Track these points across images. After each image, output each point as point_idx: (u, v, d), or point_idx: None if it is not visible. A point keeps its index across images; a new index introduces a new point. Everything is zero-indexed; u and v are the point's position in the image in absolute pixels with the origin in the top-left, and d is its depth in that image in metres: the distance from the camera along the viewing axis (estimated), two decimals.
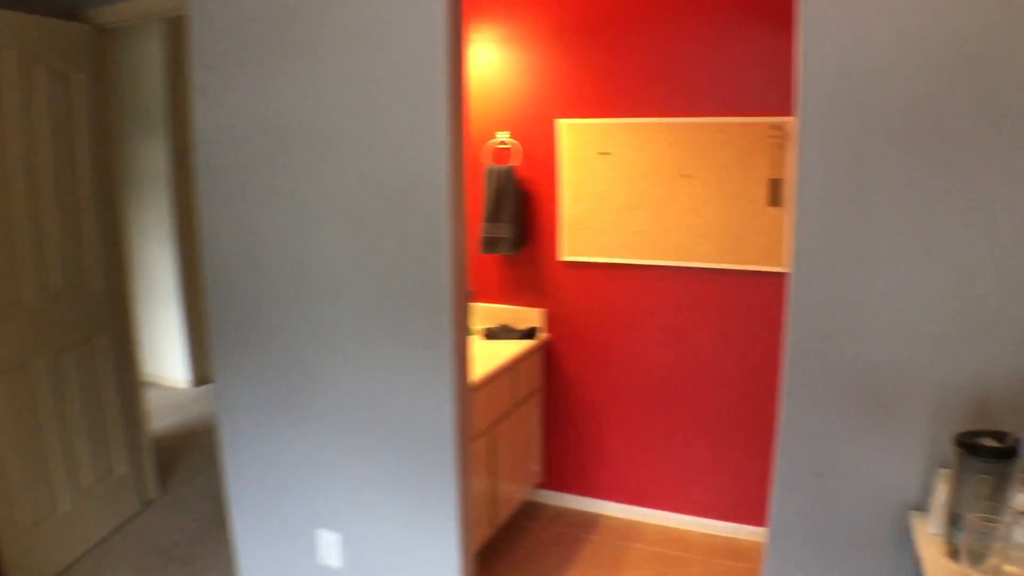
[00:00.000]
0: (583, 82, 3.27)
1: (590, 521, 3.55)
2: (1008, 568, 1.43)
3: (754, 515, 3.31)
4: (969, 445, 1.53)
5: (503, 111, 3.44)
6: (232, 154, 2.43)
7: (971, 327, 1.72)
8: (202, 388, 5.47)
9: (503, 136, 3.44)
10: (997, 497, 1.48)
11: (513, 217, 3.42)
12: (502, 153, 3.47)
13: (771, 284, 3.10)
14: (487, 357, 3.11)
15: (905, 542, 1.84)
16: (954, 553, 1.54)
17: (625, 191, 3.27)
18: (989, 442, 1.52)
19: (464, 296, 2.29)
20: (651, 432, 3.45)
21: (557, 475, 3.70)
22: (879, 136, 1.73)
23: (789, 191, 2.97)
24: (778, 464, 1.97)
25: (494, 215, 3.43)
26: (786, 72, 2.90)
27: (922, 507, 1.81)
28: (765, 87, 2.98)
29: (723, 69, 3.04)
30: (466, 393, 2.36)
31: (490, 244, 3.48)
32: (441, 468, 2.33)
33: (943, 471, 1.72)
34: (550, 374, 3.60)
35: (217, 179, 2.47)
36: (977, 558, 1.41)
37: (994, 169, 1.64)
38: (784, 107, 2.94)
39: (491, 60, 3.42)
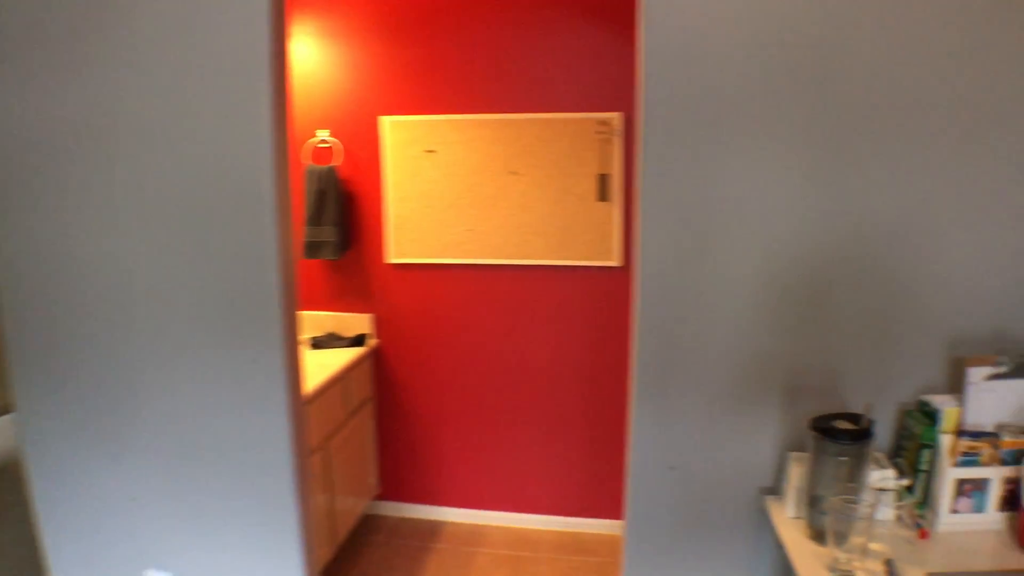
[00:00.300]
0: (407, 78, 3.15)
1: (433, 529, 3.45)
2: (872, 546, 1.48)
3: (600, 508, 3.36)
4: (826, 429, 1.58)
5: (323, 108, 3.24)
6: (30, 157, 2.09)
7: (815, 312, 1.79)
8: (2, 418, 4.80)
9: (323, 134, 3.25)
10: (855, 478, 1.53)
11: (336, 219, 3.24)
12: (323, 152, 3.27)
13: (603, 279, 3.14)
14: (316, 368, 2.94)
15: (762, 525, 1.90)
16: (817, 535, 1.58)
17: (452, 189, 3.19)
18: (844, 425, 1.58)
19: (294, 305, 2.12)
20: (489, 434, 3.40)
21: (395, 485, 3.56)
22: (720, 125, 1.75)
23: (617, 186, 3.02)
24: (631, 459, 1.98)
25: (316, 218, 3.24)
26: (613, 68, 2.96)
27: (775, 491, 1.87)
28: (591, 83, 3.00)
29: (549, 65, 3.03)
30: (301, 408, 2.19)
31: (313, 249, 3.28)
32: (279, 490, 2.16)
33: (794, 455, 1.78)
34: (382, 382, 3.46)
35: (12, 185, 2.12)
36: (841, 538, 1.46)
37: (835, 153, 1.72)
38: (611, 103, 2.99)
39: (309, 55, 3.21)
